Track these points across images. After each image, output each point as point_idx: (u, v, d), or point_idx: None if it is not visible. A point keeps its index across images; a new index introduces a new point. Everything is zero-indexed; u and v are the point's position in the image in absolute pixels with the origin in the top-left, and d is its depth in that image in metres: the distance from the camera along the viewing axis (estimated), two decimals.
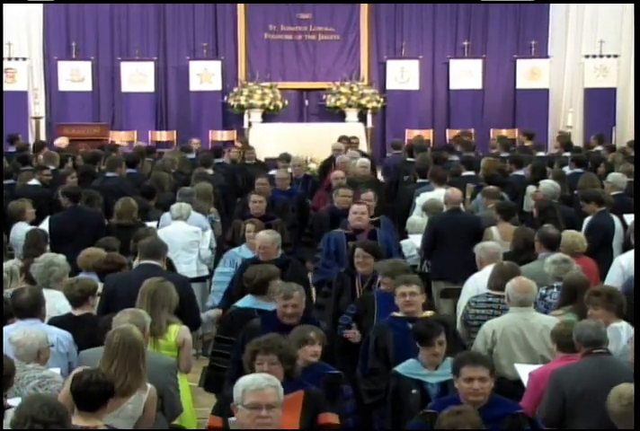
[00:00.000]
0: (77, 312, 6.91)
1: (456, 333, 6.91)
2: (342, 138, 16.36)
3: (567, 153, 15.25)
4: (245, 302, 7.35)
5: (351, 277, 8.14)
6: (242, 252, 9.25)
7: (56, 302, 7.07)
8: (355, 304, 7.56)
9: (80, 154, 14.56)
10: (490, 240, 9.15)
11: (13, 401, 5.53)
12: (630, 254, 8.49)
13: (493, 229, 9.62)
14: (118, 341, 5.62)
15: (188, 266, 9.85)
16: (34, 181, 12.13)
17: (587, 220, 9.92)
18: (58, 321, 6.74)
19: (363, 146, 17.81)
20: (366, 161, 12.92)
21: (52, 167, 13.22)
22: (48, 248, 9.00)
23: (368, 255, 8.06)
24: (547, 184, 10.82)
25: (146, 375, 5.63)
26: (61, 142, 16.84)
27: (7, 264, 8.08)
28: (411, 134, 20.50)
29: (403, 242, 10.43)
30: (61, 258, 7.63)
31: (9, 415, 5.32)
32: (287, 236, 10.30)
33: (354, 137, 16.89)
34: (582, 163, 13.25)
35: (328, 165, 15.10)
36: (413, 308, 6.78)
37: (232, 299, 8.03)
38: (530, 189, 11.47)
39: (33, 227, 9.74)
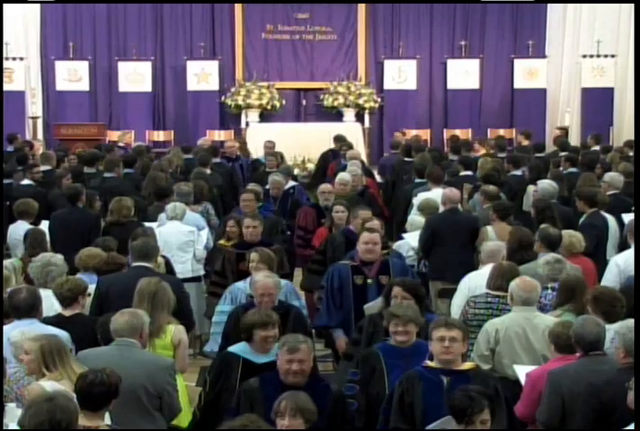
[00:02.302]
0: (67, 313, 6.89)
1: (507, 401, 5.67)
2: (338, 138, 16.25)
3: (563, 153, 15.27)
4: (237, 347, 6.38)
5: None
6: (247, 288, 7.87)
7: (53, 301, 7.06)
8: (357, 367, 6.26)
9: (75, 155, 14.57)
10: (485, 239, 9.16)
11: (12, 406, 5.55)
12: (626, 253, 8.49)
13: (489, 228, 9.63)
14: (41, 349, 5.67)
15: (183, 266, 9.84)
16: (26, 181, 12.13)
17: (581, 220, 9.94)
18: (49, 322, 6.69)
19: (360, 147, 17.79)
20: (346, 177, 11.83)
21: (49, 167, 13.22)
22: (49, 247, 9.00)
23: (408, 296, 6.84)
24: (545, 184, 10.83)
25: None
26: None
27: (9, 262, 8.07)
28: (408, 134, 20.48)
29: (398, 243, 10.43)
30: (59, 257, 7.63)
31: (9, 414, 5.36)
32: (287, 266, 9.38)
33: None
34: (575, 163, 13.27)
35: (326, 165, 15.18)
36: (451, 357, 5.61)
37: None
38: (530, 188, 11.47)
39: (33, 227, 9.74)
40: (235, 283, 8.19)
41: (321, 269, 9.22)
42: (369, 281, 8.00)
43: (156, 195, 11.17)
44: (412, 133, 20.29)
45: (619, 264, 8.35)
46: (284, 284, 7.88)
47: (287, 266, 9.32)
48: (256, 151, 16.77)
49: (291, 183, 12.86)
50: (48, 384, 5.47)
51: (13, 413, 5.45)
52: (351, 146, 15.59)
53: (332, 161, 15.29)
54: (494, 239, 9.28)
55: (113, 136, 19.92)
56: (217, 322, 7.89)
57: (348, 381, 6.22)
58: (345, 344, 7.75)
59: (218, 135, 20.90)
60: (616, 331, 5.89)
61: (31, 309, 6.56)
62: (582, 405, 5.72)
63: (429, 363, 5.69)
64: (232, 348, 6.37)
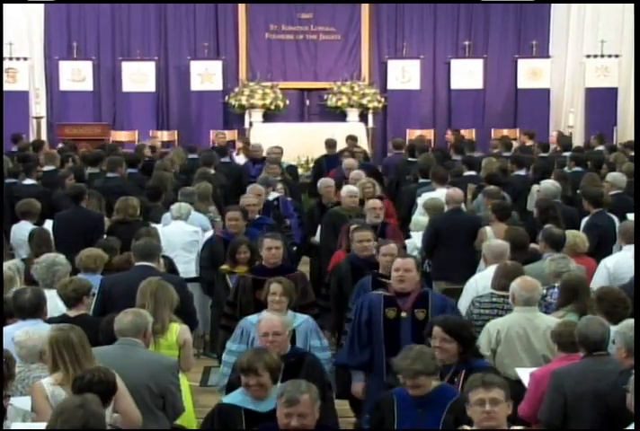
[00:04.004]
0: (72, 313, 6.90)
1: None
2: (349, 138, 16.12)
3: (566, 153, 15.30)
4: (234, 396, 5.58)
5: None
6: None
7: (58, 302, 7.07)
8: (370, 412, 5.69)
9: (77, 155, 14.57)
10: (484, 240, 9.15)
11: (17, 400, 5.54)
12: (616, 256, 8.49)
13: (488, 229, 9.62)
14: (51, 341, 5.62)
15: (187, 265, 9.84)
16: (29, 181, 12.13)
17: (584, 220, 9.94)
18: (54, 322, 6.63)
19: (364, 147, 17.77)
20: (354, 189, 10.82)
21: (53, 167, 13.24)
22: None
23: (448, 337, 5.90)
24: (548, 184, 10.84)
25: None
26: None
27: (11, 263, 8.08)
28: (412, 134, 20.49)
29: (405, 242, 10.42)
30: (62, 257, 7.66)
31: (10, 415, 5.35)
32: (311, 294, 8.17)
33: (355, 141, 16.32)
34: (580, 162, 13.27)
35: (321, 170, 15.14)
36: (495, 422, 4.88)
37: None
38: (535, 188, 11.48)
39: (38, 227, 9.76)
40: (247, 316, 7.15)
41: (328, 306, 8.33)
42: (403, 315, 6.92)
43: (149, 195, 11.16)
44: (415, 133, 20.31)
45: (609, 266, 8.33)
46: (304, 319, 7.07)
47: (311, 294, 8.16)
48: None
49: (274, 194, 11.78)
50: (48, 383, 5.46)
51: (19, 414, 5.45)
52: (352, 154, 14.86)
53: (327, 167, 14.95)
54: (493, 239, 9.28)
55: (117, 136, 19.96)
56: (227, 362, 6.94)
57: (360, 428, 5.68)
58: (362, 390, 6.93)
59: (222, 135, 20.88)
60: (616, 331, 5.87)
61: (35, 309, 6.58)
62: (589, 409, 5.69)
63: (466, 429, 4.95)
64: (228, 399, 5.59)
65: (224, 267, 8.76)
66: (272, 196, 11.68)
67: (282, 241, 8.20)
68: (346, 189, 10.88)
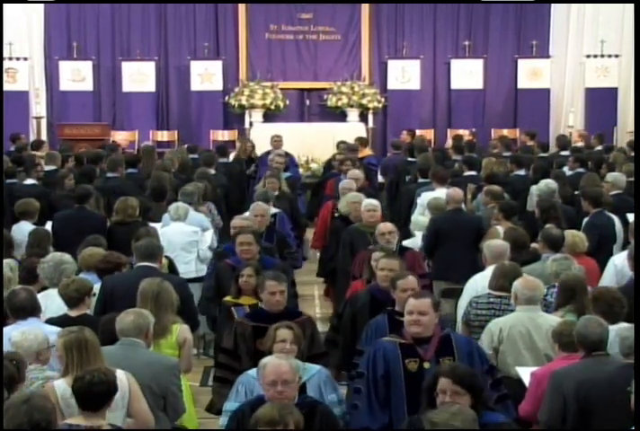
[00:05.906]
0: (74, 313, 6.90)
1: None
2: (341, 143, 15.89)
3: (564, 152, 15.31)
4: None
5: None
6: None
7: (62, 301, 7.07)
8: None
9: (74, 155, 14.57)
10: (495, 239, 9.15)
11: None
12: (623, 254, 8.48)
13: (499, 228, 9.63)
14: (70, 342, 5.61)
15: (187, 266, 9.85)
16: (30, 181, 12.13)
17: (585, 220, 9.95)
18: (55, 323, 6.70)
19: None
20: (373, 202, 9.90)
21: (53, 167, 13.25)
22: (51, 248, 9.00)
23: (461, 390, 4.98)
24: (541, 184, 10.93)
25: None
26: None
27: (5, 262, 8.07)
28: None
29: (406, 242, 10.39)
30: (68, 256, 7.71)
31: None
32: (321, 343, 7.00)
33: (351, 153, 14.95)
34: (583, 163, 13.28)
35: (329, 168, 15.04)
36: None
37: None
38: (534, 188, 11.50)
39: (36, 227, 9.76)
40: (248, 371, 6.03)
41: (336, 339, 7.43)
42: (426, 366, 5.91)
43: (153, 197, 11.16)
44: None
45: (617, 264, 8.35)
46: (317, 370, 6.04)
47: (321, 343, 6.99)
48: (260, 152, 16.65)
49: (272, 210, 10.64)
50: (59, 383, 5.47)
51: None
52: (353, 163, 13.54)
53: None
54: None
55: (117, 136, 19.95)
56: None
57: None
58: None
59: (222, 135, 20.91)
60: (617, 333, 5.88)
61: (33, 309, 6.61)
62: (593, 406, 5.65)
63: None
64: None
65: (227, 298, 7.82)
66: (271, 211, 10.54)
67: (286, 283, 6.97)
68: (366, 203, 9.96)
